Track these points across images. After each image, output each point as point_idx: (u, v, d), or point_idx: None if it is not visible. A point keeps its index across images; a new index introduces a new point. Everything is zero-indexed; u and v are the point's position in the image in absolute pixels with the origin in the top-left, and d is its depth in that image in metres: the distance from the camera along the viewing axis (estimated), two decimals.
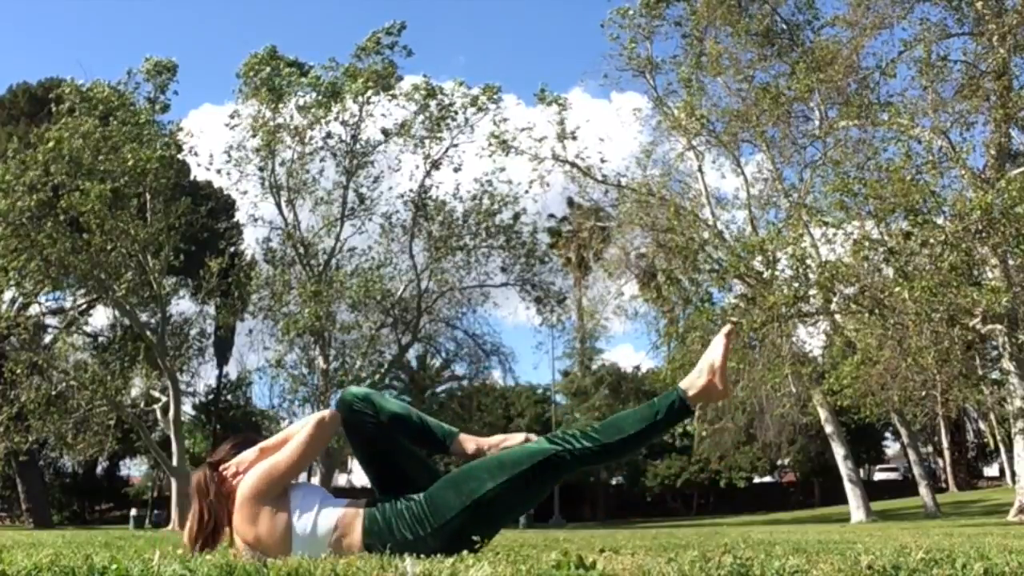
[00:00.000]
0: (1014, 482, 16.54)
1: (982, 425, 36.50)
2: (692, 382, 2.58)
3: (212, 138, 45.61)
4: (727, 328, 2.65)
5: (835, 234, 14.02)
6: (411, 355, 31.95)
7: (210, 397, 38.28)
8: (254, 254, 25.10)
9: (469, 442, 2.67)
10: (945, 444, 39.47)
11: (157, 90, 20.66)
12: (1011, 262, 13.05)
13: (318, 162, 22.52)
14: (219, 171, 22.40)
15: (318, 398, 21.65)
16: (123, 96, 20.08)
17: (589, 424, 2.80)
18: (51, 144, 18.48)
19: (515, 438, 2.64)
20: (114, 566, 1.79)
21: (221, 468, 2.60)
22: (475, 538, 2.45)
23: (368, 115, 22.28)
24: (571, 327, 33.51)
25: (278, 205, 22.48)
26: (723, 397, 2.62)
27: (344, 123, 22.32)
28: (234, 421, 35.88)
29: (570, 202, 34.17)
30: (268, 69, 21.51)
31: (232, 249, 27.75)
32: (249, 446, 2.66)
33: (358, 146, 22.53)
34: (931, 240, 12.45)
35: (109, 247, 19.37)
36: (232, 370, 38.27)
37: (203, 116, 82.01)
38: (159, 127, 20.66)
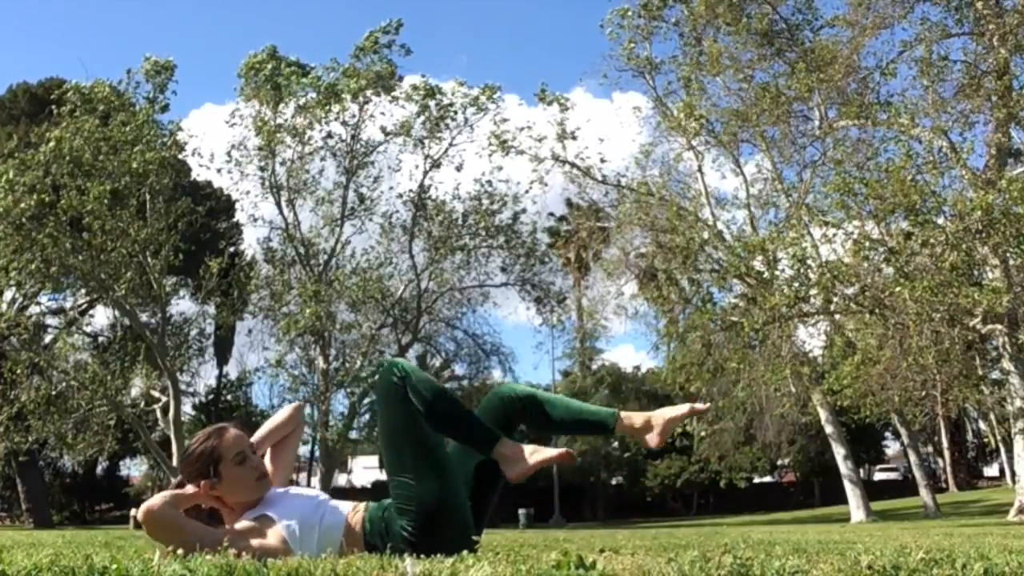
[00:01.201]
0: (1014, 482, 16.55)
1: (982, 425, 36.51)
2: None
3: (213, 137, 45.72)
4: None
5: (835, 234, 14.03)
6: (411, 355, 31.93)
7: (210, 397, 38.31)
8: (254, 254, 25.10)
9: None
10: (945, 444, 39.48)
11: (156, 90, 20.64)
12: (1012, 262, 13.05)
13: (318, 162, 22.53)
14: (219, 171, 22.40)
15: (318, 398, 21.65)
16: (123, 96, 20.06)
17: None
18: (52, 144, 18.47)
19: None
20: (114, 566, 1.79)
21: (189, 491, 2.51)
22: (475, 537, 2.46)
23: (368, 116, 22.27)
24: (571, 327, 33.54)
25: (278, 205, 22.48)
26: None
27: (344, 123, 22.32)
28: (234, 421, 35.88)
29: (569, 202, 34.21)
30: (269, 67, 21.49)
31: (232, 249, 27.76)
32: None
33: (358, 146, 22.52)
34: (932, 240, 12.46)
35: (109, 247, 19.36)
36: (232, 370, 38.34)
37: (204, 115, 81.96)
38: (159, 127, 20.63)
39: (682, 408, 2.71)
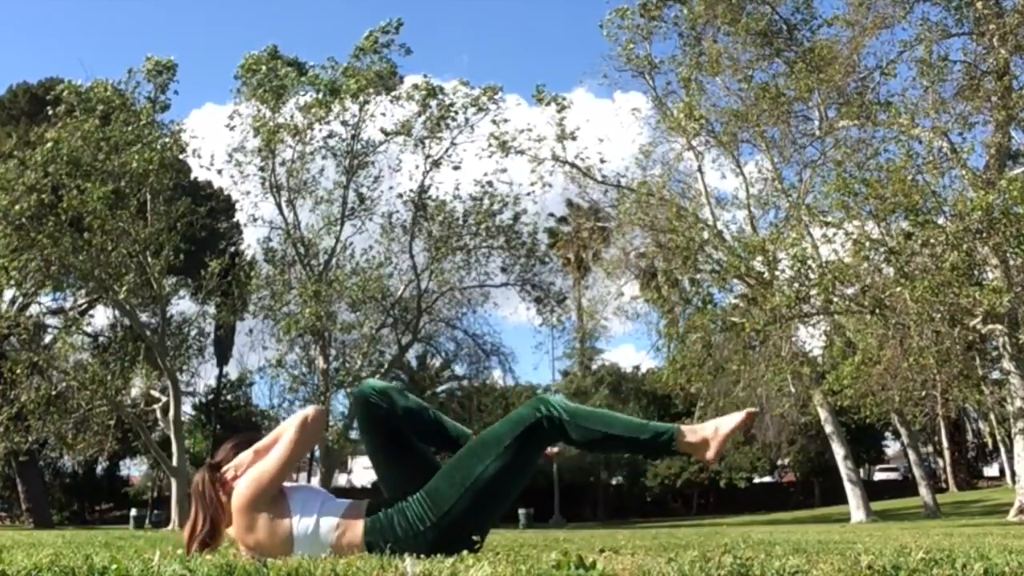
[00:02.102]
0: (1014, 482, 16.54)
1: (982, 425, 36.52)
2: (692, 430, 2.58)
3: (214, 137, 45.73)
4: (753, 410, 2.69)
5: (835, 234, 14.02)
6: (411, 355, 31.95)
7: (210, 397, 38.27)
8: (254, 254, 25.09)
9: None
10: (945, 444, 39.46)
11: (158, 90, 20.63)
12: (1012, 262, 13.05)
13: (318, 161, 22.52)
14: (220, 171, 22.39)
15: (318, 398, 21.64)
16: (124, 96, 20.05)
17: (579, 403, 2.79)
18: (49, 144, 18.45)
19: None
20: (114, 566, 1.79)
21: (222, 471, 2.59)
22: (475, 537, 2.46)
23: (369, 116, 22.26)
24: (571, 327, 33.52)
25: (278, 205, 22.47)
26: (708, 462, 2.63)
27: (344, 123, 22.30)
28: (234, 421, 35.88)
29: (569, 203, 34.20)
30: (265, 68, 21.46)
31: (232, 249, 27.76)
32: (249, 446, 2.65)
33: (358, 146, 22.51)
34: (932, 240, 12.45)
35: (110, 247, 19.36)
36: (232, 370, 38.28)
37: (205, 115, 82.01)
38: (160, 127, 20.62)
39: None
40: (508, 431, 2.51)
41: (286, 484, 2.64)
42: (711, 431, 2.55)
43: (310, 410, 2.60)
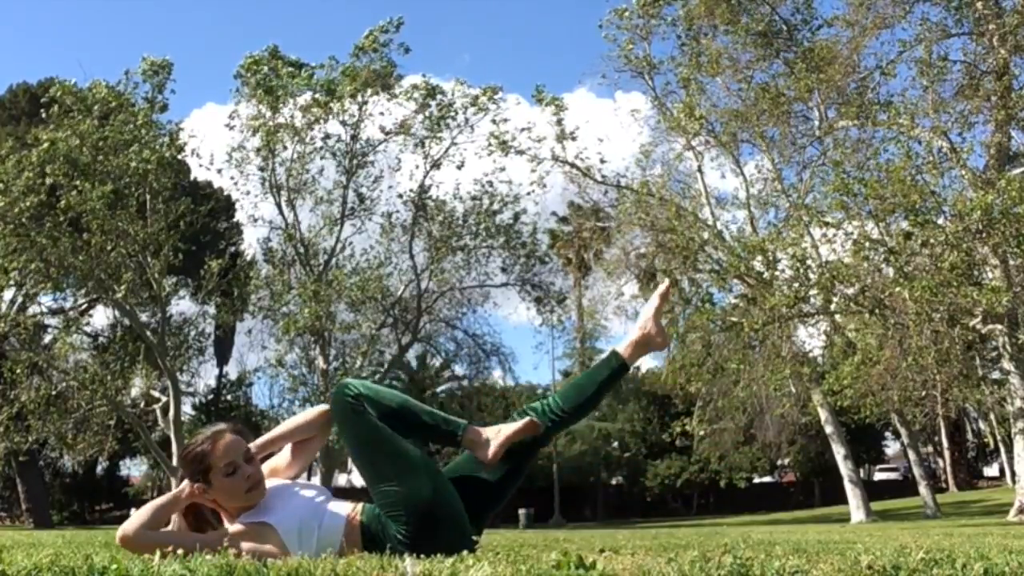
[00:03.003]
0: (1014, 482, 16.55)
1: (982, 425, 36.52)
2: (478, 431, 2.61)
3: (215, 137, 45.73)
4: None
5: (835, 234, 14.02)
6: (411, 355, 31.99)
7: (210, 397, 38.30)
8: (254, 254, 25.09)
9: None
10: (945, 444, 39.47)
11: (155, 90, 20.62)
12: (1011, 262, 13.06)
13: (318, 161, 22.51)
14: (219, 171, 22.38)
15: (318, 398, 21.64)
16: (121, 96, 20.03)
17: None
18: (47, 145, 18.45)
19: (516, 425, 2.61)
20: (114, 566, 1.79)
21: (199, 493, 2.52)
22: (475, 537, 2.46)
23: (368, 115, 22.25)
24: (571, 327, 33.53)
25: (278, 205, 22.46)
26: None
27: (344, 123, 22.30)
28: (234, 421, 35.88)
29: (571, 203, 34.19)
30: (266, 69, 21.45)
31: (232, 249, 27.78)
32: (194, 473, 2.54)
33: (358, 146, 22.50)
34: (931, 240, 12.45)
35: (109, 247, 19.36)
36: (232, 370, 38.32)
37: (207, 115, 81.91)
38: (158, 127, 20.61)
39: (653, 298, 2.91)
40: (347, 426, 2.56)
41: (290, 483, 2.64)
42: (493, 433, 2.58)
43: (117, 540, 2.46)
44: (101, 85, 19.87)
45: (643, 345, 2.86)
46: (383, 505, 2.48)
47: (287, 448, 2.74)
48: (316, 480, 24.92)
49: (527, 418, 2.61)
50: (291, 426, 2.73)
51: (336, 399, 2.58)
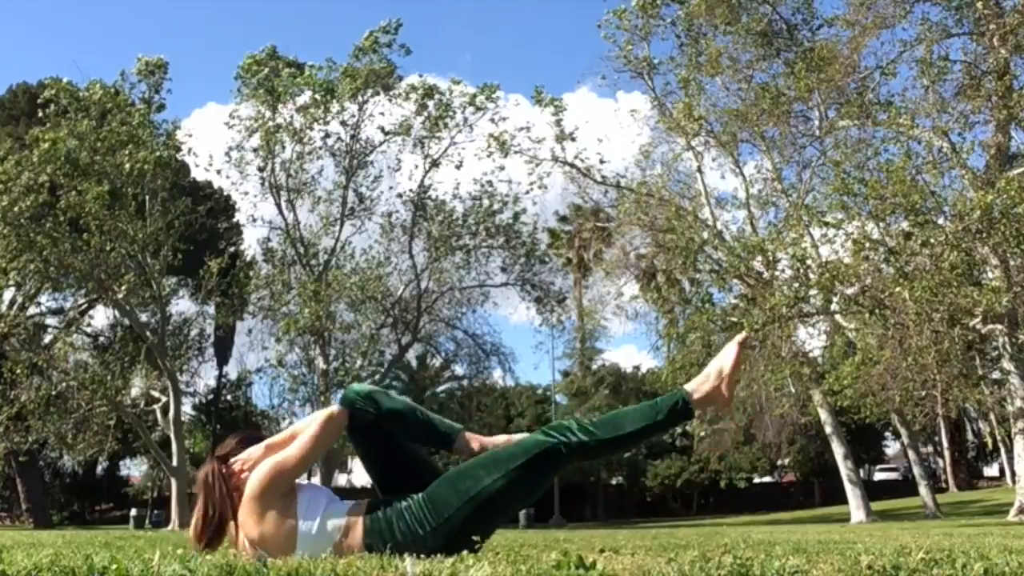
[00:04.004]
0: (1014, 482, 16.55)
1: (982, 425, 36.53)
2: (699, 386, 2.56)
3: (216, 137, 45.58)
4: (741, 336, 2.64)
5: (835, 234, 14.02)
6: (411, 355, 31.95)
7: (210, 397, 38.26)
8: (254, 254, 25.09)
9: (474, 440, 2.64)
10: (945, 444, 39.47)
11: (151, 90, 20.61)
12: (1011, 262, 13.05)
13: (317, 162, 22.52)
14: (219, 171, 22.39)
15: (318, 398, 21.64)
16: (118, 97, 20.03)
17: (588, 416, 2.79)
18: (46, 145, 18.46)
19: (517, 438, 2.63)
20: (114, 566, 1.79)
21: (230, 462, 2.60)
22: (475, 538, 2.45)
23: (368, 116, 22.26)
24: (571, 327, 33.52)
25: (278, 205, 22.47)
26: (725, 406, 2.59)
27: (343, 123, 22.30)
28: (234, 421, 35.87)
29: (570, 204, 34.18)
30: (266, 70, 21.46)
31: (232, 249, 27.75)
32: (254, 443, 2.65)
33: (358, 146, 22.51)
34: (931, 240, 12.45)
35: (109, 247, 19.36)
36: (232, 370, 38.29)
37: (208, 115, 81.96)
38: (155, 127, 20.61)
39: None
40: (523, 452, 2.50)
41: (295, 481, 2.64)
42: (716, 377, 2.55)
43: (334, 409, 2.61)
44: (97, 86, 19.87)
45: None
46: (399, 512, 2.48)
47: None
48: (316, 480, 24.92)
49: (503, 436, 2.65)
50: (316, 447, 2.62)
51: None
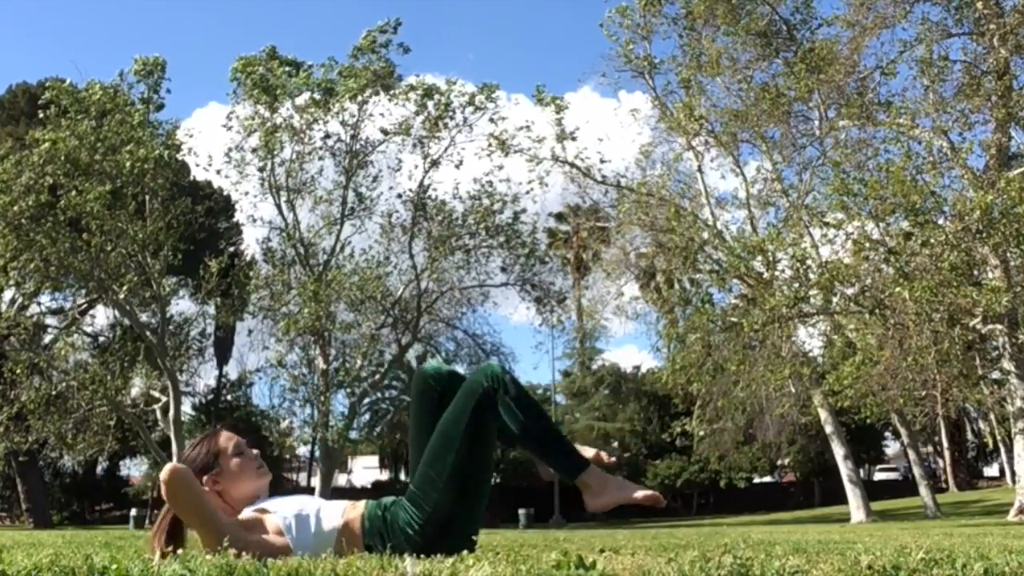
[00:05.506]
0: (1014, 482, 16.56)
1: (982, 425, 36.55)
2: (600, 475, 2.51)
3: (217, 137, 45.55)
4: (649, 495, 2.53)
5: (835, 234, 14.03)
6: (411, 355, 31.92)
7: (210, 397, 38.30)
8: (254, 254, 25.08)
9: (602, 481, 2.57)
10: (945, 444, 39.49)
11: (150, 90, 20.59)
12: (1011, 262, 13.06)
13: (317, 162, 22.50)
14: (219, 171, 22.36)
15: (318, 398, 21.64)
16: (117, 97, 20.01)
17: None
18: (47, 145, 18.45)
19: (639, 493, 2.53)
20: (114, 566, 1.79)
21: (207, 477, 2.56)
22: (474, 537, 2.46)
23: (367, 115, 22.24)
24: (571, 327, 33.51)
25: (278, 205, 22.45)
26: (589, 506, 2.52)
27: (343, 123, 22.29)
28: (234, 421, 35.89)
29: (568, 204, 34.18)
30: (261, 70, 21.42)
31: (232, 249, 27.77)
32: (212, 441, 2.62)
33: (357, 146, 22.49)
34: (931, 240, 12.45)
35: (109, 247, 19.36)
36: (232, 370, 38.33)
37: (209, 114, 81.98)
38: (155, 127, 20.59)
39: (642, 492, 2.53)
40: (463, 409, 2.47)
41: (279, 500, 2.62)
42: (615, 486, 2.50)
43: (163, 473, 2.38)
44: (96, 86, 19.86)
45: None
46: (418, 487, 2.47)
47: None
48: (316, 480, 24.95)
49: (651, 491, 2.52)
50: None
51: (475, 378, 2.52)
